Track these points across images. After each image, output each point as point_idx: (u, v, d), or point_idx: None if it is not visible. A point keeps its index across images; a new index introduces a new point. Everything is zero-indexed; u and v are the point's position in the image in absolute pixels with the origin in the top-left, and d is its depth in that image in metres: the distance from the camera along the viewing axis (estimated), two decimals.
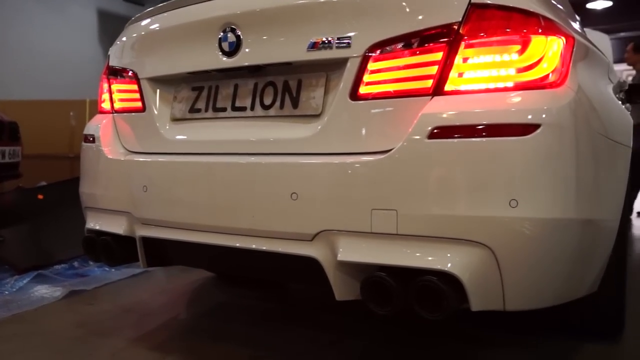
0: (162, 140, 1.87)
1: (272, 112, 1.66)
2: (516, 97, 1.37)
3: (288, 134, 1.60)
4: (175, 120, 1.88)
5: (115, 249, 1.94)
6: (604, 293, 1.76)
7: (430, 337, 2.11)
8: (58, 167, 5.31)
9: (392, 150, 1.39)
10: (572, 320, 2.01)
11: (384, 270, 1.40)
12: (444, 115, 1.37)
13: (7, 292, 2.85)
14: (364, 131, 1.49)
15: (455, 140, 1.34)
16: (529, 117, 1.33)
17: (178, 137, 1.84)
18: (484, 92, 1.39)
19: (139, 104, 1.97)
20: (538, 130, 1.32)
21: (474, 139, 1.33)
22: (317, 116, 1.58)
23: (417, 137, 1.37)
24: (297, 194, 1.48)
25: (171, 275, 3.13)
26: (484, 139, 1.32)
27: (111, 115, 2.08)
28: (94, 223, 2.04)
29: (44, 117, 5.52)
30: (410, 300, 1.39)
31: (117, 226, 1.92)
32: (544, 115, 1.33)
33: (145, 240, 1.87)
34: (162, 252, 1.92)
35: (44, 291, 2.86)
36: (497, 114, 1.33)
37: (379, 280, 1.39)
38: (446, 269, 1.33)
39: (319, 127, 1.55)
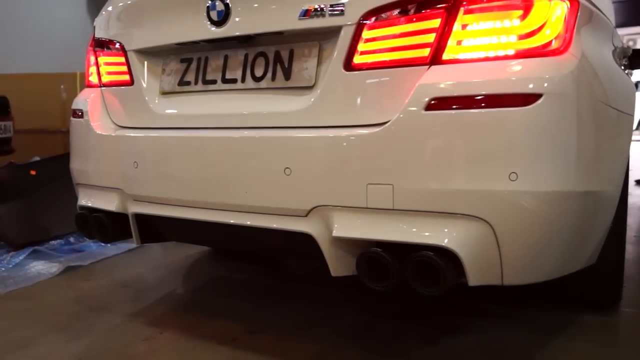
0: (151, 115, 1.82)
1: (263, 84, 1.60)
2: (517, 66, 1.32)
3: (280, 107, 1.55)
4: (164, 93, 1.82)
5: (108, 226, 1.91)
6: (603, 264, 1.74)
7: (426, 310, 2.10)
8: (51, 142, 5.25)
9: (388, 123, 1.35)
10: (570, 291, 2.00)
11: (380, 246, 1.38)
12: (442, 86, 1.32)
13: (3, 269, 2.83)
14: (358, 103, 1.44)
15: (453, 111, 1.29)
16: (530, 86, 1.28)
17: (168, 111, 1.79)
18: (484, 61, 1.34)
19: (127, 77, 1.90)
20: (539, 101, 1.27)
21: (472, 110, 1.28)
22: (310, 88, 1.52)
23: (414, 108, 1.32)
24: (290, 169, 1.44)
25: (167, 250, 3.11)
26: (483, 110, 1.27)
27: (99, 89, 2.02)
28: (85, 200, 2.01)
29: (35, 90, 5.42)
30: (407, 276, 1.36)
31: (109, 203, 1.89)
32: (545, 85, 1.28)
33: (138, 217, 1.83)
34: (155, 229, 1.89)
35: (41, 267, 2.84)
36: (496, 83, 1.29)
37: (374, 256, 1.37)
38: (443, 244, 1.31)
39: (312, 100, 1.50)
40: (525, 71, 1.31)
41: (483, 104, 1.27)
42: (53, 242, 3.25)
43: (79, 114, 2.02)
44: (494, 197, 1.28)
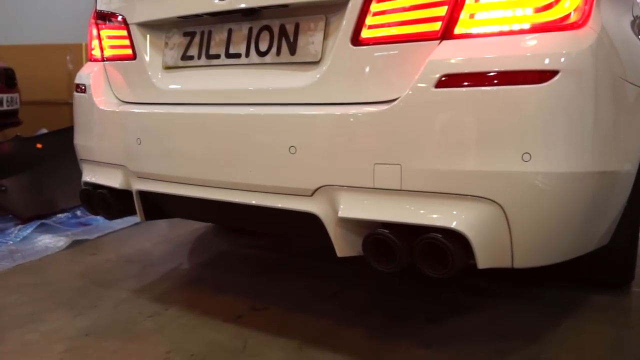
0: (154, 90, 1.77)
1: (268, 59, 1.55)
2: (532, 41, 1.26)
3: (285, 83, 1.50)
4: (167, 68, 1.77)
5: (112, 203, 1.89)
6: (617, 244, 1.70)
7: (433, 288, 2.08)
8: (58, 113, 5.23)
9: (397, 100, 1.30)
10: (582, 270, 1.96)
11: (387, 227, 1.34)
12: (453, 62, 1.26)
13: (11, 242, 2.84)
14: (366, 79, 1.39)
15: (465, 89, 1.24)
16: (546, 62, 1.22)
17: (171, 86, 1.75)
18: (497, 36, 1.28)
19: (129, 51, 1.86)
20: (555, 78, 1.21)
21: (485, 88, 1.23)
22: (316, 63, 1.47)
23: (424, 85, 1.27)
24: (295, 147, 1.40)
25: (173, 224, 3.11)
26: (495, 88, 1.22)
27: (102, 63, 1.98)
28: (89, 176, 1.98)
29: (41, 62, 5.38)
30: (415, 258, 1.33)
31: (112, 179, 1.87)
32: (562, 61, 1.22)
33: (142, 193, 1.81)
34: (160, 205, 1.87)
35: (48, 241, 2.84)
36: (510, 59, 1.23)
37: (381, 237, 1.34)
38: (452, 226, 1.27)
39: (318, 75, 1.45)
40: (541, 46, 1.25)
41: (496, 81, 1.22)
42: (60, 215, 3.26)
43: (81, 88, 1.99)
44: (505, 178, 1.23)
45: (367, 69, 1.38)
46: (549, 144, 1.23)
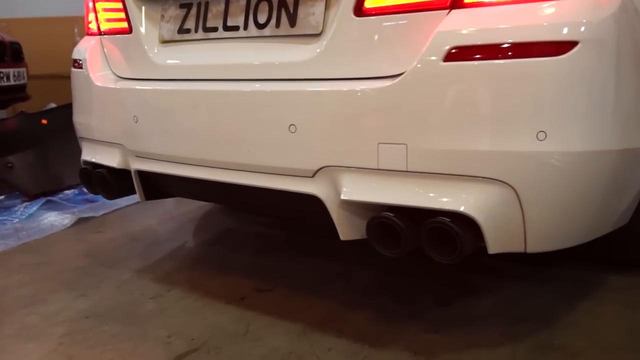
0: (151, 65, 1.70)
1: (267, 31, 1.47)
2: (549, 9, 1.16)
3: (285, 57, 1.42)
4: (164, 42, 1.70)
5: (111, 182, 1.84)
6: (635, 223, 1.61)
7: (443, 267, 2.01)
8: (67, 87, 5.17)
9: (402, 76, 1.21)
10: (598, 251, 1.88)
11: (392, 210, 1.27)
12: (463, 33, 1.17)
13: (16, 220, 2.83)
14: (370, 53, 1.30)
15: (475, 62, 1.15)
16: (564, 32, 1.12)
17: (168, 61, 1.67)
18: (511, 4, 1.18)
19: (125, 25, 1.78)
20: (575, 49, 1.12)
21: (496, 61, 1.14)
22: (317, 36, 1.38)
23: (431, 59, 1.18)
24: (295, 126, 1.33)
25: (180, 201, 3.06)
26: (508, 61, 1.13)
27: (98, 37, 1.90)
28: (88, 155, 1.93)
29: (48, 34, 5.32)
30: (421, 243, 1.26)
31: (111, 159, 1.81)
32: (582, 30, 1.12)
33: (141, 173, 1.75)
34: (160, 185, 1.81)
35: (53, 218, 2.82)
36: (525, 30, 1.13)
37: (385, 221, 1.27)
38: (461, 210, 1.20)
39: (319, 49, 1.36)
40: (559, 15, 1.15)
41: (509, 54, 1.13)
42: (67, 192, 3.24)
43: (78, 64, 1.92)
44: (518, 158, 1.15)
45: (371, 42, 1.29)
46: (566, 122, 1.14)
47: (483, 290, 1.83)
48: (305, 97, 1.33)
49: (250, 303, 1.80)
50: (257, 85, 1.41)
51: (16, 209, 2.97)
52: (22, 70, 4.84)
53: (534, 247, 1.25)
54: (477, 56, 1.14)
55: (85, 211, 2.90)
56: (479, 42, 1.15)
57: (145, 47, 1.72)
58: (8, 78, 4.54)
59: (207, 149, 1.51)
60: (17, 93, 4.85)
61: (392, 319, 1.66)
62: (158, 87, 1.63)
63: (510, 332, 1.56)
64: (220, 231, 2.56)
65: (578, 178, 1.18)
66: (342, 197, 1.31)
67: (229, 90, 1.46)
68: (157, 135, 1.62)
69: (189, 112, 1.53)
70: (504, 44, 1.13)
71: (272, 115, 1.37)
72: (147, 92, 1.65)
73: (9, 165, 3.27)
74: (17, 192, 3.22)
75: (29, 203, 3.04)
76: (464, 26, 1.17)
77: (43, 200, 3.05)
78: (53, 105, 4.54)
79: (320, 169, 1.33)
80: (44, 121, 3.37)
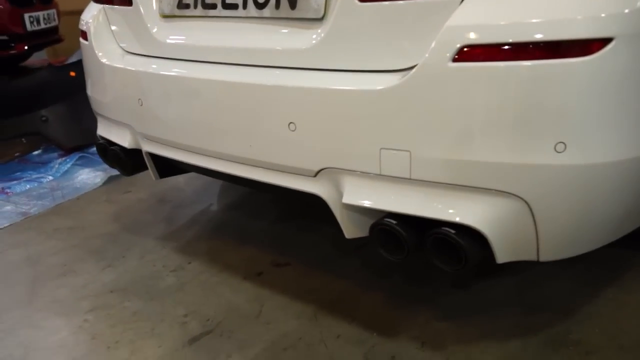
0: (153, 41, 1.63)
1: (266, 12, 1.36)
2: (576, 1, 1.01)
3: (285, 43, 1.32)
4: (164, 17, 1.61)
5: (125, 160, 1.84)
6: None
7: None
8: None
9: (405, 77, 1.11)
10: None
11: (395, 218, 1.21)
12: (475, 29, 1.03)
13: (51, 177, 2.92)
14: (374, 43, 1.19)
15: (488, 63, 1.02)
16: (594, 28, 0.98)
17: (169, 38, 1.60)
18: None
19: None
20: (607, 47, 0.98)
21: (513, 63, 1.01)
22: (318, 20, 1.27)
23: (438, 59, 1.07)
24: (295, 125, 1.26)
25: None
26: (527, 63, 1.00)
27: (101, 6, 1.83)
28: (103, 131, 1.93)
29: None
30: (427, 252, 1.21)
31: (122, 138, 1.80)
32: (616, 25, 0.97)
33: (152, 154, 1.74)
34: (173, 164, 1.79)
35: (85, 176, 2.90)
36: (548, 26, 0.99)
37: (387, 228, 1.21)
38: (468, 223, 1.12)
39: (320, 36, 1.26)
40: (588, 7, 1.00)
41: (528, 55, 1.00)
42: None
43: (84, 35, 1.86)
44: (533, 172, 1.06)
45: (375, 31, 1.18)
46: (588, 132, 1.02)
47: (504, 272, 1.77)
48: (304, 95, 1.24)
49: (266, 279, 1.81)
50: (256, 77, 1.33)
51: (52, 164, 3.06)
52: (52, 11, 4.80)
53: (547, 257, 1.18)
54: (490, 57, 1.02)
55: None
56: (493, 41, 1.01)
57: (147, 22, 1.64)
58: (38, 22, 4.52)
59: (210, 141, 1.47)
60: (49, 36, 4.86)
61: (405, 303, 1.64)
62: (160, 71, 1.55)
63: (524, 323, 1.52)
64: (243, 194, 2.55)
65: (599, 190, 1.08)
66: (344, 200, 1.26)
67: (227, 80, 1.38)
68: (160, 120, 1.58)
69: (189, 99, 1.47)
70: (520, 43, 1.00)
71: (271, 112, 1.30)
72: (150, 75, 1.59)
73: (43, 118, 3.33)
74: (53, 146, 3.29)
75: (64, 158, 3.11)
76: (476, 20, 1.03)
77: (77, 155, 3.12)
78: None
79: (322, 169, 1.27)
80: (73, 73, 3.36)
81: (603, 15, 0.99)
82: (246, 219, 2.30)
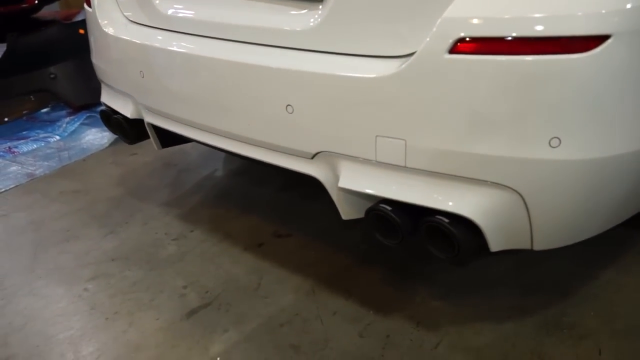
0: (155, 12, 1.60)
1: None
2: None
3: (284, 23, 1.29)
4: None
5: (128, 129, 1.84)
6: None
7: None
8: None
9: (403, 66, 1.07)
10: None
11: (390, 204, 1.20)
12: (472, 21, 1.00)
13: (58, 137, 2.93)
14: (373, 27, 1.15)
15: (484, 57, 0.99)
16: (592, 24, 0.94)
17: (170, 10, 1.56)
18: None
19: None
20: (605, 44, 0.94)
21: (509, 58, 0.98)
22: (318, 1, 1.23)
23: (435, 48, 1.03)
24: (293, 107, 1.24)
25: None
26: (523, 58, 0.97)
27: None
28: (106, 99, 1.92)
29: None
30: (422, 239, 1.21)
31: (125, 108, 1.79)
32: (615, 20, 0.94)
33: (154, 125, 1.73)
34: (175, 135, 1.78)
35: (92, 137, 2.91)
36: (546, 21, 0.95)
37: (382, 214, 1.21)
38: (461, 212, 1.11)
39: (320, 18, 1.22)
40: (586, 3, 0.95)
41: (525, 50, 0.96)
42: None
43: (88, 2, 1.83)
44: (527, 166, 1.04)
45: (374, 15, 1.14)
46: (582, 127, 1.00)
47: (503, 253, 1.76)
48: (302, 78, 1.21)
49: (267, 251, 1.83)
50: (255, 56, 1.30)
51: (59, 123, 3.07)
52: None
53: (542, 246, 1.17)
54: (487, 50, 0.98)
55: None
56: (490, 34, 0.98)
57: None
58: None
59: (207, 116, 1.45)
60: None
61: (403, 280, 1.65)
62: (160, 44, 1.53)
63: (519, 304, 1.52)
64: None
65: (592, 185, 1.06)
66: (340, 184, 1.25)
67: (225, 58, 1.35)
68: (160, 93, 1.56)
69: (187, 74, 1.45)
70: (518, 37, 0.96)
71: (269, 93, 1.27)
72: (151, 47, 1.56)
73: (52, 76, 3.31)
74: (61, 104, 3.29)
75: (72, 117, 3.12)
76: (474, 12, 0.99)
77: (85, 115, 3.12)
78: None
79: (319, 152, 1.26)
80: (82, 31, 3.32)
81: (602, 11, 0.94)
82: (251, 185, 2.30)
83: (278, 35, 1.29)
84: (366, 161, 1.19)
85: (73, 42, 3.39)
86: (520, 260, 1.72)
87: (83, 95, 3.26)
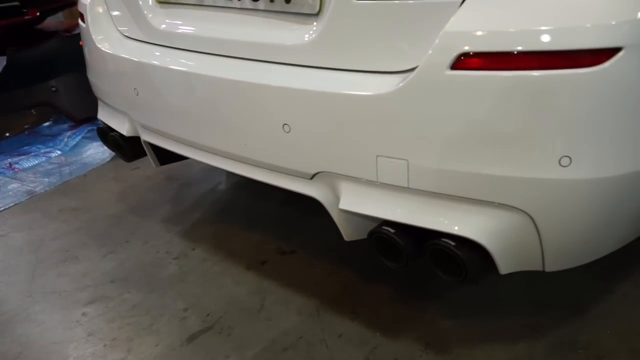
0: (149, 28, 1.55)
1: (261, 4, 1.27)
2: (583, 8, 0.90)
3: (279, 38, 1.24)
4: (160, 3, 1.53)
5: (124, 147, 1.79)
6: None
7: None
8: None
9: (402, 84, 1.02)
10: None
11: (393, 226, 1.15)
12: (475, 35, 0.94)
13: (60, 152, 2.90)
14: (370, 42, 1.10)
15: (489, 73, 0.94)
16: (603, 37, 0.88)
17: (164, 25, 1.52)
18: None
19: None
20: (616, 57, 0.88)
21: (515, 73, 0.92)
22: (314, 16, 1.18)
23: (436, 65, 0.98)
24: (289, 126, 1.19)
25: None
26: (529, 73, 0.91)
27: None
28: (103, 116, 1.88)
29: None
30: (428, 262, 1.15)
31: (121, 125, 1.75)
32: (626, 33, 0.88)
33: (151, 143, 1.68)
34: (173, 153, 1.74)
35: (94, 151, 2.88)
36: (553, 34, 0.89)
37: (385, 237, 1.15)
38: (467, 235, 1.06)
39: (315, 33, 1.17)
40: (595, 16, 0.89)
41: (531, 65, 0.91)
42: None
43: (82, 17, 1.79)
44: (537, 186, 0.98)
45: (371, 30, 1.08)
46: (594, 145, 0.94)
47: None
48: (299, 96, 1.16)
49: (270, 269, 1.78)
50: (249, 73, 1.25)
51: (61, 137, 3.04)
52: None
53: (553, 267, 1.12)
54: (491, 65, 0.93)
55: None
56: (493, 49, 0.92)
57: (143, 7, 1.55)
58: None
59: (203, 135, 1.40)
60: (62, 0, 4.74)
61: (411, 297, 1.59)
62: (154, 60, 1.48)
63: (532, 323, 1.46)
64: None
65: (605, 204, 1.00)
66: (340, 206, 1.20)
67: (219, 75, 1.30)
68: (155, 111, 1.52)
69: (181, 91, 1.40)
70: (523, 52, 0.91)
71: (265, 112, 1.22)
72: (145, 64, 1.51)
73: (53, 89, 3.29)
74: (63, 118, 3.27)
75: (74, 131, 3.09)
76: (476, 26, 0.94)
77: (86, 128, 3.10)
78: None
79: (318, 173, 1.21)
80: (82, 43, 3.29)
81: (612, 23, 0.88)
82: (254, 199, 2.25)
83: (274, 51, 1.24)
84: (367, 182, 1.13)
85: (74, 55, 3.36)
86: (532, 273, 1.64)
87: (85, 108, 3.23)
